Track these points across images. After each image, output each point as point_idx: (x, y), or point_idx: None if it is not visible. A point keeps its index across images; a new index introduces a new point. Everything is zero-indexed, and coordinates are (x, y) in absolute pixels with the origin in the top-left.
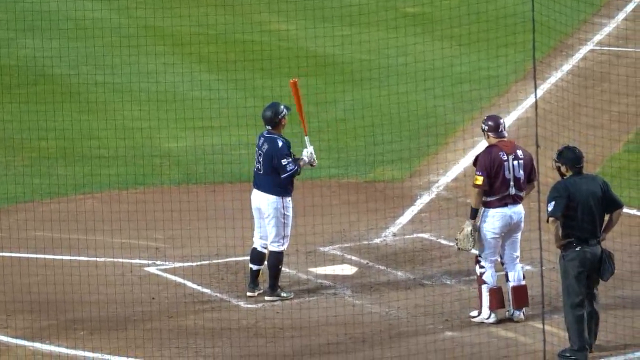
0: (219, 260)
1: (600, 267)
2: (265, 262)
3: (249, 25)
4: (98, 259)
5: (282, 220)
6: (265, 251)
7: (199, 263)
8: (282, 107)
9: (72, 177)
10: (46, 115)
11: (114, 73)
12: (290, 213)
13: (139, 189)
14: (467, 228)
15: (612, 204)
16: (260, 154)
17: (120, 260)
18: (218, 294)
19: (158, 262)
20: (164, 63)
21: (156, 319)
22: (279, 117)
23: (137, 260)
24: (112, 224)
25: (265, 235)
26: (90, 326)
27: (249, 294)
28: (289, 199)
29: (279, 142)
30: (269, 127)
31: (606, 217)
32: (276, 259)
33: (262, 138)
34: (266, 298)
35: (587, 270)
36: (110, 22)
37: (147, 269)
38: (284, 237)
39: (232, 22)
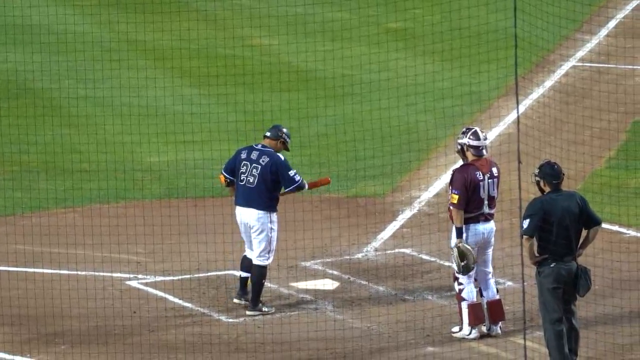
0: (200, 275)
1: (576, 282)
2: None
3: (231, 39)
4: (79, 273)
5: (270, 235)
6: None
7: (180, 277)
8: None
9: (54, 191)
10: (27, 129)
11: (96, 87)
12: (276, 228)
13: (121, 203)
14: (455, 252)
15: (590, 221)
16: (255, 167)
17: (102, 274)
18: (199, 308)
19: (139, 276)
20: (146, 77)
21: (137, 333)
22: (284, 135)
23: (118, 274)
24: (93, 237)
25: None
26: (71, 340)
27: (235, 300)
28: (275, 214)
29: (280, 155)
30: (270, 138)
31: (584, 233)
32: (260, 273)
33: (257, 151)
34: (247, 313)
35: (563, 286)
36: (92, 36)
37: (128, 282)
38: (269, 252)
39: (214, 36)
